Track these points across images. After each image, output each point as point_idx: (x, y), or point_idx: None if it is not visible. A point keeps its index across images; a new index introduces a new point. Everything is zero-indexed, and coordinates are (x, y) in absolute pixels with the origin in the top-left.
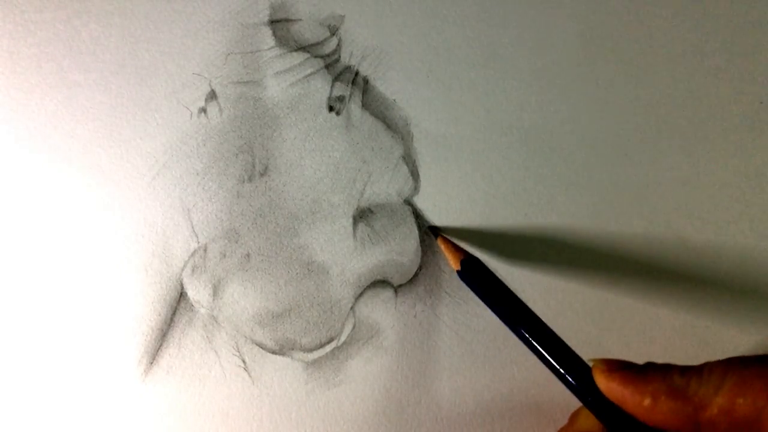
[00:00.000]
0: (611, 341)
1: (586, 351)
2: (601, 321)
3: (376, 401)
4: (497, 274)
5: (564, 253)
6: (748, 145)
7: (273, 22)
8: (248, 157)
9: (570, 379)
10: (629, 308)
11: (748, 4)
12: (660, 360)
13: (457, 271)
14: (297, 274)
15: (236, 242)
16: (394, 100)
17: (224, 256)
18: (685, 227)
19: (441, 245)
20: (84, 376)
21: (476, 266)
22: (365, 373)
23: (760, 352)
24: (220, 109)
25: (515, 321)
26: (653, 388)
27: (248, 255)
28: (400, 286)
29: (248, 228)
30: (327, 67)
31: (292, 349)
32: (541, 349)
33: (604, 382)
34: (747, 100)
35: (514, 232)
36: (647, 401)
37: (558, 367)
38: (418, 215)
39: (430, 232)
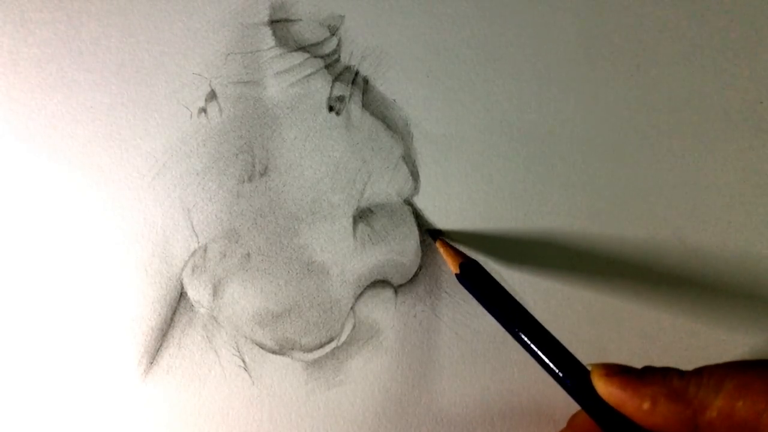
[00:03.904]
0: (611, 343)
1: (586, 353)
2: (601, 323)
3: (376, 401)
4: (497, 276)
5: (563, 253)
6: (748, 145)
7: (273, 22)
8: (248, 157)
9: (569, 383)
10: (629, 310)
11: (748, 4)
12: (660, 363)
13: (456, 275)
14: (297, 274)
15: (236, 242)
16: (394, 100)
17: (224, 256)
18: (684, 227)
19: (440, 249)
20: (84, 376)
21: (475, 270)
22: (365, 373)
23: (759, 355)
24: (220, 109)
25: (514, 325)
26: (652, 391)
27: (248, 255)
28: (400, 286)
29: (248, 228)
30: (327, 67)
31: (292, 349)
32: (540, 353)
33: (603, 386)
34: (747, 100)
35: (513, 232)
36: (646, 404)
37: (557, 371)
38: (418, 215)
39: (429, 235)
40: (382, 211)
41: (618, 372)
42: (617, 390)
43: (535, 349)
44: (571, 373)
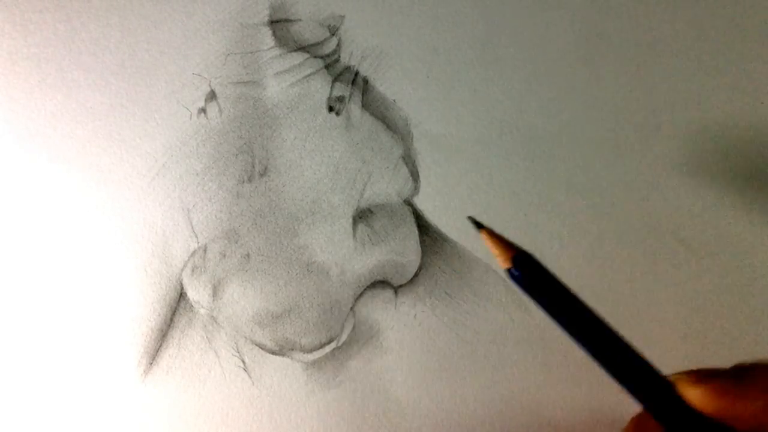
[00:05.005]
0: None
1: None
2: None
3: (376, 401)
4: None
5: (563, 253)
6: (747, 145)
7: (273, 23)
8: (248, 157)
9: (647, 394)
10: (630, 308)
11: (748, 4)
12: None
13: (508, 270)
14: (297, 274)
15: (236, 242)
16: (394, 100)
17: (224, 256)
18: (685, 227)
19: (487, 240)
20: (84, 377)
21: (531, 264)
22: (365, 373)
23: (760, 352)
24: (220, 110)
25: (582, 329)
26: (756, 389)
27: (248, 255)
28: (400, 286)
29: (248, 228)
30: (327, 67)
31: (292, 349)
32: (615, 364)
33: (698, 396)
34: (747, 100)
35: (513, 232)
36: (755, 404)
37: (635, 385)
38: (418, 215)
39: (472, 224)
40: (382, 212)
41: (711, 377)
42: (714, 396)
43: (608, 357)
44: (654, 388)
